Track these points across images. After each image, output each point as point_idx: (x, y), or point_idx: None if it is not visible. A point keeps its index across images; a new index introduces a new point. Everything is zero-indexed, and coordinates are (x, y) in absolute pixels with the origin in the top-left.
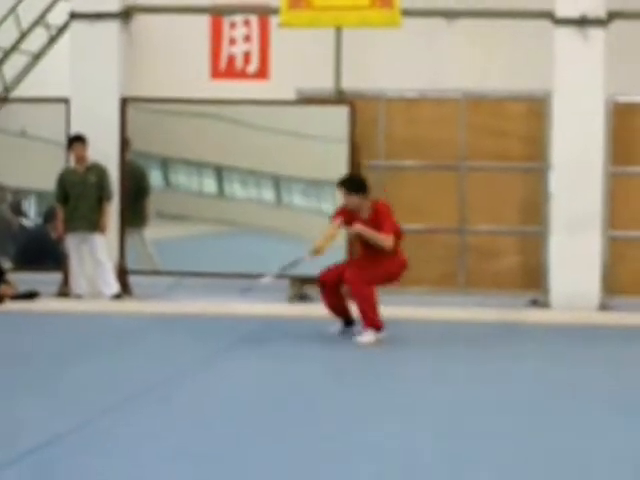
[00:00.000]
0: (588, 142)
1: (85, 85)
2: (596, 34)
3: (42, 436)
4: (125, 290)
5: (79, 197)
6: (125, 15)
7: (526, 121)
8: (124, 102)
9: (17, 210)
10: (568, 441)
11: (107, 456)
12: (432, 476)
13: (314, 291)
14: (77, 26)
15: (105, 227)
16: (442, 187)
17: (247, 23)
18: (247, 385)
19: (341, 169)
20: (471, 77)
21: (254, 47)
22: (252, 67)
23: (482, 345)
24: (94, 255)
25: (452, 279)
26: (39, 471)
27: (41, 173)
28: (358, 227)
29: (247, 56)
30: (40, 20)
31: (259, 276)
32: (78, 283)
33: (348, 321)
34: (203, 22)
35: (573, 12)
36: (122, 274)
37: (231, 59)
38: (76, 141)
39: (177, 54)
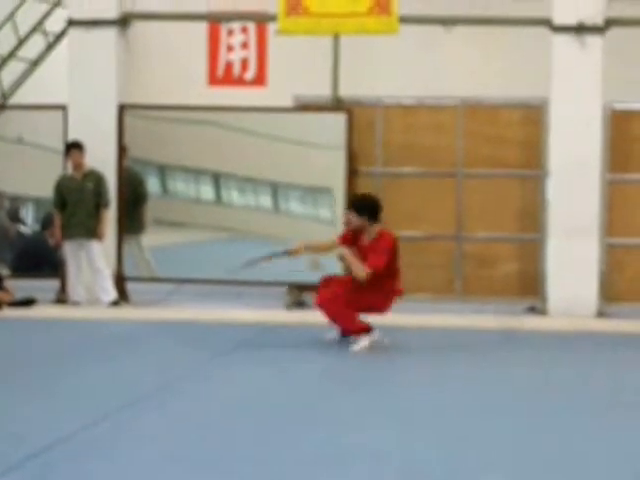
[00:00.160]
0: (585, 149)
1: (83, 92)
2: (594, 41)
3: (40, 442)
4: (122, 297)
5: (76, 204)
6: (122, 22)
7: (523, 128)
8: (122, 109)
9: (14, 217)
10: (566, 444)
11: (105, 462)
12: None
13: (311, 298)
14: (75, 33)
15: (103, 234)
16: (439, 194)
17: (244, 30)
18: (245, 391)
19: (338, 176)
20: (469, 84)
21: (251, 54)
22: (249, 74)
23: (480, 352)
24: (91, 262)
25: (449, 286)
26: (38, 477)
27: (38, 180)
28: (342, 250)
29: (244, 63)
30: (38, 27)
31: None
32: (75, 290)
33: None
34: (200, 29)
35: (571, 19)
36: (120, 281)
37: (228, 66)
38: (73, 148)
39: (175, 61)
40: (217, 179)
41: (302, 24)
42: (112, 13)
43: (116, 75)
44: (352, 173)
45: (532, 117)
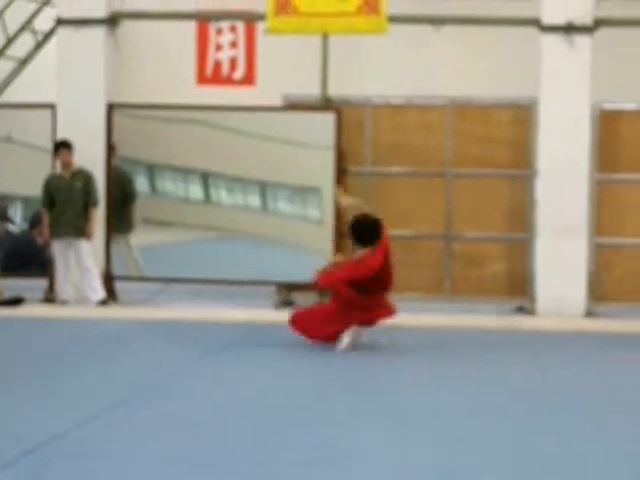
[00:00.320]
0: (574, 149)
1: (71, 91)
2: (582, 41)
3: (29, 442)
4: (111, 296)
5: (65, 203)
6: (111, 21)
7: (512, 128)
8: (110, 108)
9: (3, 216)
10: (563, 444)
11: (98, 460)
12: None
13: (301, 297)
14: (63, 32)
15: (91, 233)
16: (428, 194)
17: (233, 29)
18: (234, 391)
19: (327, 175)
20: (457, 84)
21: (240, 53)
22: (238, 73)
23: (468, 352)
24: (80, 261)
25: (438, 286)
26: (32, 475)
27: (27, 179)
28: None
29: (233, 62)
30: (26, 26)
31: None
32: (64, 289)
33: None
34: (189, 28)
35: (560, 19)
36: (108, 280)
37: (217, 65)
38: (62, 147)
39: (163, 60)
40: (206, 178)
41: (291, 23)
42: (101, 12)
43: (105, 74)
44: (341, 173)
45: (521, 117)
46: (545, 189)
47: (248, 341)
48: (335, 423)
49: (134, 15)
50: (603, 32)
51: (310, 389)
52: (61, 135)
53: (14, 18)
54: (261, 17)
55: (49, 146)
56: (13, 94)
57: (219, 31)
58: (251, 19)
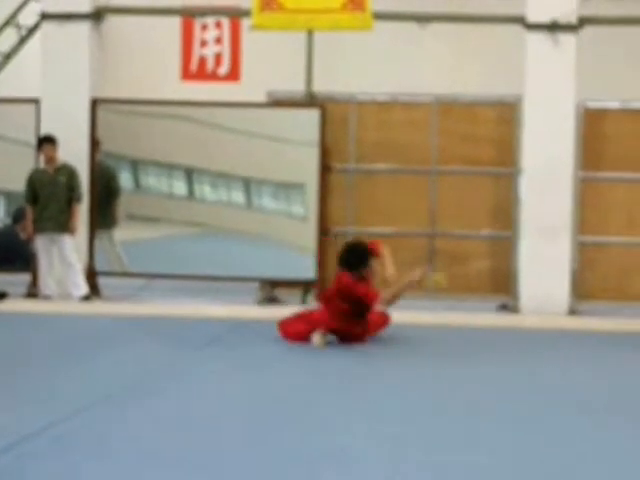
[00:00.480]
0: (558, 147)
1: (55, 86)
2: (567, 40)
3: (8, 439)
4: (94, 292)
5: (49, 198)
6: (96, 16)
7: (497, 126)
8: (94, 103)
9: None
10: (551, 442)
11: (75, 458)
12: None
13: (283, 294)
14: (48, 27)
15: (75, 228)
16: (413, 191)
17: (218, 25)
18: (217, 388)
19: (312, 172)
20: (443, 81)
21: (225, 49)
22: (223, 69)
23: (450, 350)
24: (63, 256)
25: (421, 283)
26: (7, 472)
27: (10, 173)
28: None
29: (218, 58)
30: (10, 20)
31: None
32: (47, 284)
33: None
34: (174, 24)
35: (544, 17)
36: (91, 275)
37: (202, 61)
38: (46, 142)
39: (148, 55)
40: (190, 174)
41: (276, 20)
42: (85, 7)
43: (89, 69)
44: (325, 169)
45: (505, 115)
46: (529, 187)
47: (231, 337)
48: (323, 421)
49: (119, 10)
50: (588, 30)
51: (295, 386)
52: (45, 130)
53: None
54: (246, 13)
55: (33, 141)
56: None
57: (204, 27)
58: (236, 15)
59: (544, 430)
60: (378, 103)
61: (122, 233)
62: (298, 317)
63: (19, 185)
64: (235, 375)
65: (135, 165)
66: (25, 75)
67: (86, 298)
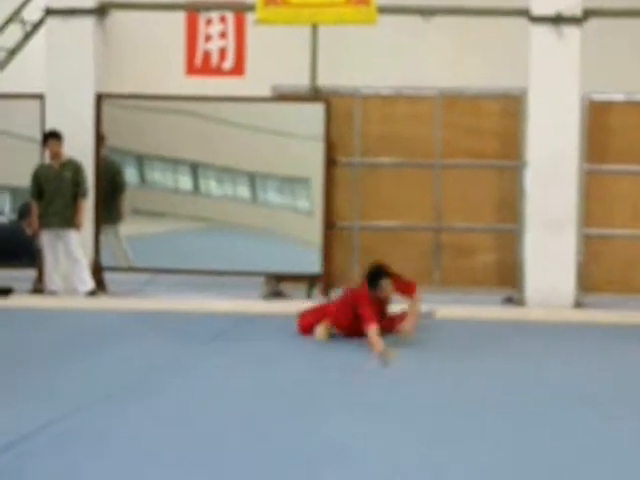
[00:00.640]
0: (563, 140)
1: (60, 81)
2: (572, 32)
3: (8, 437)
4: (100, 287)
5: (54, 193)
6: (100, 11)
7: (502, 119)
8: (99, 98)
9: None
10: (557, 435)
11: (77, 456)
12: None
13: (289, 288)
14: (52, 22)
15: (80, 224)
16: (418, 184)
17: (223, 20)
18: (221, 382)
19: (317, 166)
20: (447, 74)
21: (230, 44)
22: (228, 64)
23: (456, 343)
24: (69, 252)
25: (427, 276)
26: (8, 470)
27: (16, 169)
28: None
29: (223, 53)
30: (15, 16)
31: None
32: (52, 279)
33: None
34: (179, 18)
35: (549, 10)
36: (97, 271)
37: (207, 55)
38: (51, 137)
39: (152, 50)
40: (195, 169)
41: (281, 14)
42: (90, 2)
43: (94, 64)
44: (330, 163)
45: (510, 108)
46: (534, 180)
47: (237, 332)
48: (325, 416)
49: (123, 5)
50: (592, 23)
51: (299, 380)
52: (50, 125)
53: (2, 8)
54: (251, 8)
55: (38, 136)
56: (1, 85)
57: (208, 22)
58: (241, 9)
59: (549, 423)
60: (382, 97)
61: (127, 228)
62: (314, 310)
63: (24, 181)
64: (240, 369)
65: (140, 160)
66: (30, 71)
67: (92, 293)
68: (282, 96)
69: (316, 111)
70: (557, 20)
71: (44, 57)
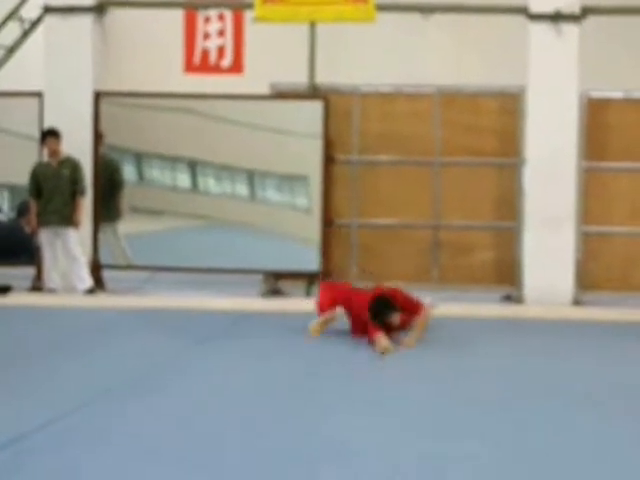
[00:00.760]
0: (562, 138)
1: (59, 79)
2: (570, 30)
3: (7, 434)
4: (98, 285)
5: (53, 191)
6: (99, 9)
7: (500, 116)
8: (98, 96)
9: None
10: (556, 433)
11: (76, 454)
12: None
13: (287, 286)
14: (51, 20)
15: (79, 222)
16: (416, 182)
17: (221, 17)
18: (220, 380)
19: (315, 164)
20: (446, 72)
21: (228, 41)
22: (226, 61)
23: (454, 340)
24: (67, 250)
25: (426, 274)
26: (7, 468)
27: (14, 167)
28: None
29: (221, 50)
30: (13, 14)
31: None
32: (51, 277)
33: None
34: (177, 16)
35: (547, 8)
36: (95, 269)
37: (205, 53)
38: (49, 135)
39: (151, 48)
40: (193, 167)
41: (279, 12)
42: (88, 0)
43: (92, 62)
44: (329, 161)
45: (509, 106)
46: (533, 178)
47: (235, 330)
48: (324, 413)
49: (122, 3)
50: (591, 21)
51: (297, 378)
52: (48, 123)
53: (0, 6)
54: (249, 5)
55: (36, 134)
56: (0, 83)
57: (207, 19)
58: (239, 7)
59: (547, 420)
60: (381, 94)
61: (126, 226)
62: (335, 290)
63: (23, 179)
64: (239, 367)
65: (139, 158)
66: (28, 68)
67: (90, 291)
68: (281, 94)
69: (315, 109)
70: (556, 18)
71: (42, 55)
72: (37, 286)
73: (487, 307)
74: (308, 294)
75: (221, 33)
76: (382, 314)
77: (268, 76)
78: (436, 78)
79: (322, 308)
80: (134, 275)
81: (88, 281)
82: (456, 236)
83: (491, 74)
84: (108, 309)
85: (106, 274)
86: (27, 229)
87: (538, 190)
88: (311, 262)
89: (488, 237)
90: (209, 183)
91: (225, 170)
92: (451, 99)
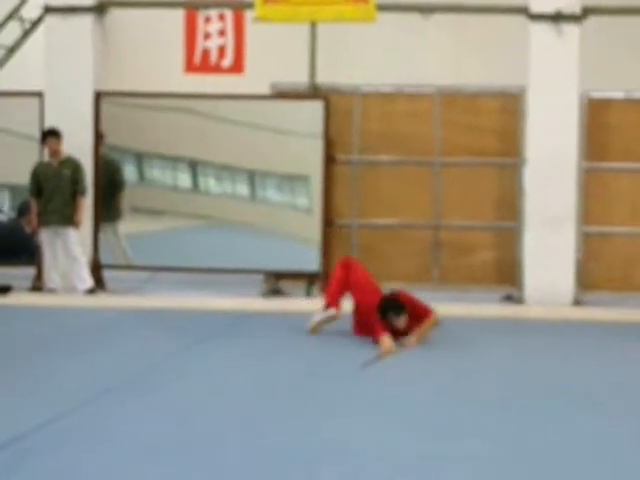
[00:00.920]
0: (562, 138)
1: (59, 79)
2: (571, 30)
3: (7, 434)
4: (99, 285)
5: (53, 191)
6: (99, 9)
7: (501, 116)
8: (98, 96)
9: None
10: (556, 432)
11: (76, 453)
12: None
13: (288, 286)
14: (51, 20)
15: (79, 222)
16: (417, 182)
17: (222, 17)
18: (220, 380)
19: (316, 164)
20: (446, 72)
21: (229, 41)
22: (227, 61)
23: (455, 340)
24: (68, 250)
25: (426, 274)
26: (7, 467)
27: (15, 167)
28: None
29: (222, 50)
30: (14, 14)
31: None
32: (51, 277)
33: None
34: (177, 16)
35: (548, 8)
36: (96, 269)
37: (205, 53)
38: (50, 135)
39: (151, 48)
40: (194, 167)
41: (279, 12)
42: (89, 0)
43: (93, 62)
44: (329, 161)
45: (509, 106)
46: (533, 178)
47: (236, 330)
48: (324, 413)
49: (122, 3)
50: (592, 21)
51: (300, 378)
52: (49, 123)
53: (1, 6)
54: (249, 5)
55: (37, 134)
56: (0, 82)
57: (207, 19)
58: (239, 7)
59: (548, 420)
60: (382, 94)
61: (127, 226)
62: (344, 278)
63: (23, 178)
64: (239, 367)
65: (139, 158)
66: (29, 68)
67: (91, 291)
68: (281, 94)
69: (315, 109)
70: (556, 18)
71: (43, 55)
72: (37, 286)
73: (487, 307)
74: (308, 294)
75: (222, 33)
76: (390, 313)
77: (269, 76)
78: (436, 78)
79: (330, 294)
80: (134, 275)
81: (88, 281)
82: (456, 236)
83: (491, 74)
84: (108, 309)
85: (106, 274)
86: (27, 229)
87: (539, 190)
88: (312, 262)
89: (488, 237)
90: (210, 183)
91: (226, 170)
92: (451, 99)
